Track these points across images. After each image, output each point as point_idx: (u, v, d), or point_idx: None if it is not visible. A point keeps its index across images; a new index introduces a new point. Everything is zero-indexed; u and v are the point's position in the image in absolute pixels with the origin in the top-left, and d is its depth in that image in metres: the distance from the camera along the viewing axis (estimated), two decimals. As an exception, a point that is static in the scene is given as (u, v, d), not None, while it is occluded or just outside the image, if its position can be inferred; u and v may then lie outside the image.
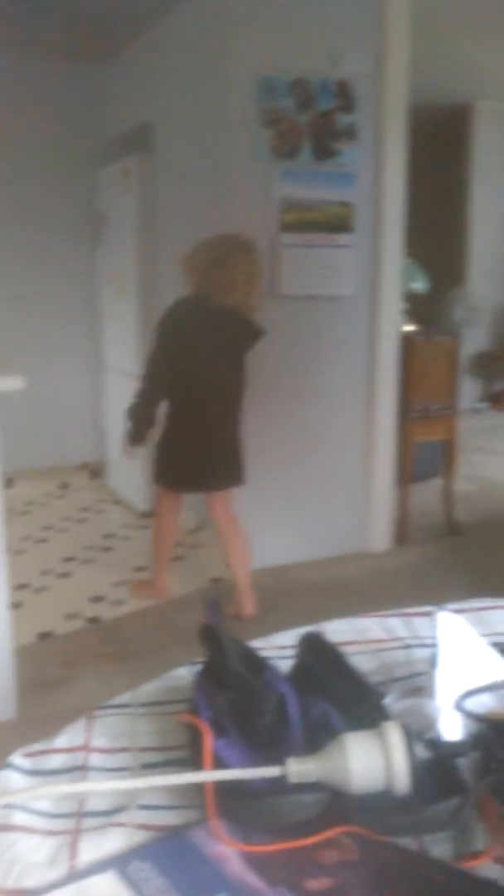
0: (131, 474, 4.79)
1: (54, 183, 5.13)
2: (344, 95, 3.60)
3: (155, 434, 3.34)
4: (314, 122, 3.57)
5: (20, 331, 5.10)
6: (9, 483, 5.07)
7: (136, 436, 3.27)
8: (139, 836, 0.81)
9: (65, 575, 3.90)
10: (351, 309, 3.84)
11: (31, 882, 0.75)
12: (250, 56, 3.49)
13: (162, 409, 3.28)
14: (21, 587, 3.67)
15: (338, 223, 3.68)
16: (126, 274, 4.62)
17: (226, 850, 0.79)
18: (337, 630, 1.22)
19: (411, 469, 4.24)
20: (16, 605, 3.24)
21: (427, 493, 4.62)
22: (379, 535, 4.13)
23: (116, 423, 5.02)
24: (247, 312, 3.20)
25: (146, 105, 4.50)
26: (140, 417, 3.24)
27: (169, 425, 3.28)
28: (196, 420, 3.24)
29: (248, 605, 3.37)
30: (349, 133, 3.63)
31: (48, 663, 3.05)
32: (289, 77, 3.51)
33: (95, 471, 5.45)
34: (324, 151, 3.60)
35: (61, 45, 4.78)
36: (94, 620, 3.41)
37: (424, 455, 4.43)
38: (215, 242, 3.22)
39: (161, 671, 1.15)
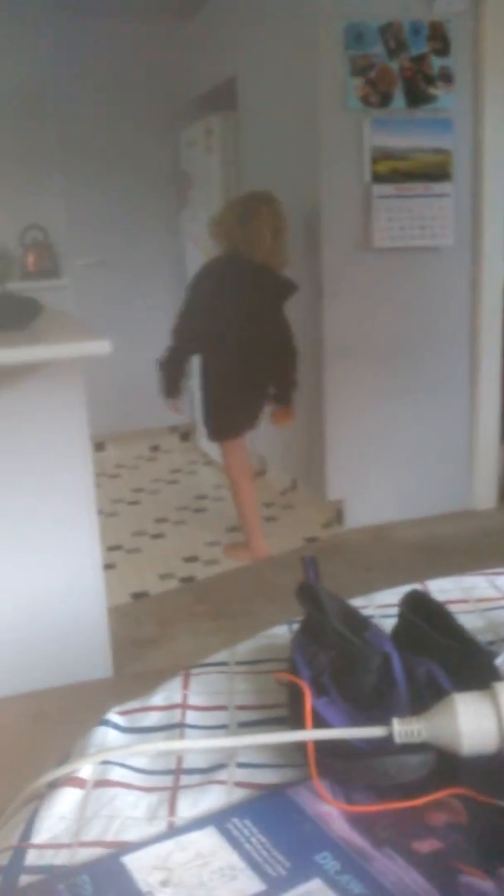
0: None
1: (139, 144, 5.11)
2: (438, 38, 3.45)
3: (194, 391, 3.62)
4: (407, 67, 3.44)
5: (106, 295, 5.13)
6: (99, 447, 5.16)
7: (168, 388, 3.47)
8: (238, 794, 0.79)
9: (158, 536, 3.94)
10: (451, 260, 3.71)
11: (131, 836, 0.74)
12: (337, 2, 3.38)
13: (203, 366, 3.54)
14: (114, 548, 3.73)
15: (435, 171, 3.55)
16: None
17: (329, 810, 0.76)
18: (442, 588, 1.17)
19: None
20: (109, 566, 3.30)
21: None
22: (484, 492, 4.02)
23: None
24: (279, 267, 3.29)
25: (229, 61, 4.42)
26: (169, 370, 3.44)
27: (213, 380, 3.48)
28: (234, 370, 3.38)
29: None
30: (445, 77, 3.48)
31: (142, 623, 3.09)
32: (378, 21, 3.39)
33: (186, 433, 5.47)
34: (418, 98, 3.47)
35: (143, 5, 4.73)
36: (187, 580, 3.44)
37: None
38: (238, 200, 3.39)
39: (256, 630, 1.13)
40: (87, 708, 2.35)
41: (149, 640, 2.96)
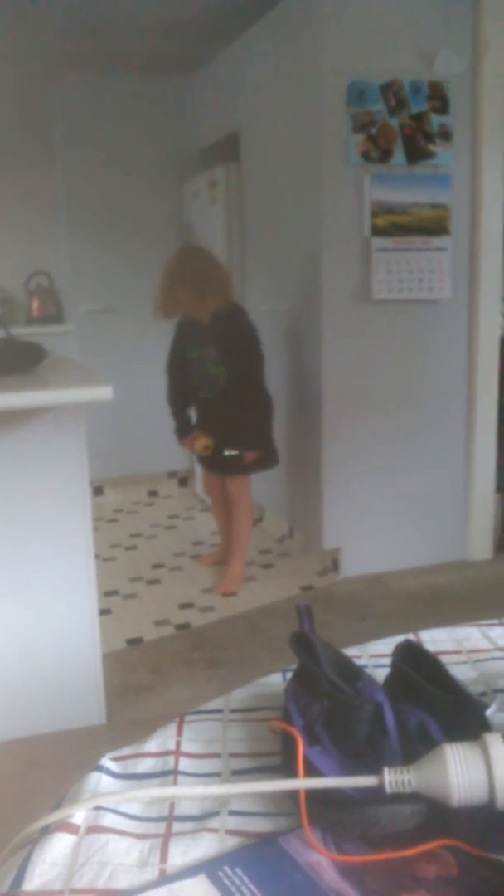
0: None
1: (143, 194, 5.20)
2: (437, 96, 3.55)
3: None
4: (406, 124, 3.53)
5: (109, 341, 5.18)
6: (98, 491, 5.18)
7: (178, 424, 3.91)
8: (230, 842, 0.80)
9: (154, 581, 3.93)
10: (448, 313, 3.77)
11: (122, 883, 0.74)
12: (339, 60, 3.47)
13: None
14: (110, 593, 3.72)
15: (433, 226, 3.62)
16: (215, 283, 4.64)
17: (319, 859, 0.77)
18: (435, 639, 1.18)
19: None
20: (105, 612, 3.29)
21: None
22: (479, 543, 4.03)
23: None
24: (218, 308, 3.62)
25: (233, 115, 4.53)
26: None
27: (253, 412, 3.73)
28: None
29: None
30: (443, 134, 3.57)
31: (137, 669, 3.07)
32: (380, 80, 3.48)
33: (184, 478, 5.49)
34: (417, 154, 3.55)
35: (148, 60, 4.86)
36: (183, 627, 3.43)
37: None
38: (163, 271, 3.72)
39: (250, 679, 1.13)
40: (80, 755, 2.33)
41: (143, 686, 2.94)
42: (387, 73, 3.50)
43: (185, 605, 3.62)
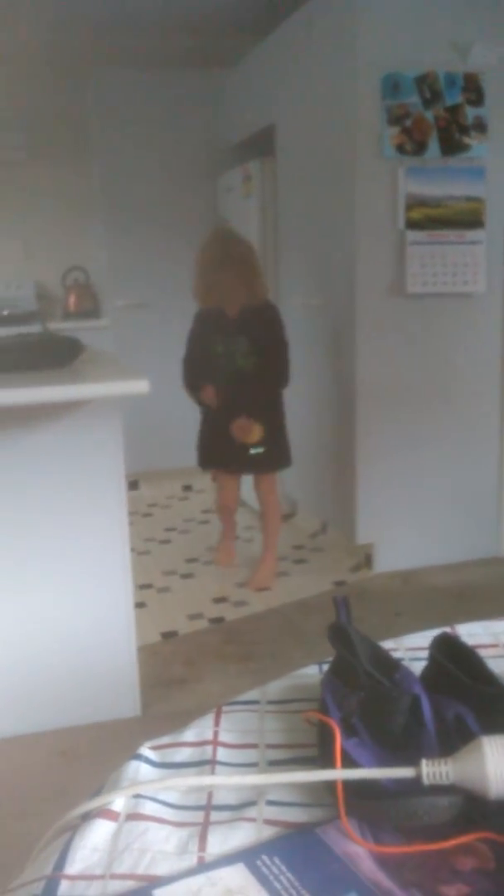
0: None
1: (178, 189, 5.22)
2: (472, 88, 3.52)
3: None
4: (441, 116, 3.50)
5: (144, 335, 5.20)
6: (133, 485, 5.20)
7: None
8: (267, 832, 0.80)
9: (188, 576, 3.95)
10: (482, 307, 3.74)
11: (161, 870, 0.75)
12: (374, 53, 3.46)
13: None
14: (145, 587, 3.74)
15: (468, 219, 3.59)
16: (249, 278, 4.65)
17: (356, 850, 0.77)
18: (472, 633, 1.18)
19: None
20: (139, 605, 3.31)
21: None
22: (513, 539, 4.00)
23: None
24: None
25: (268, 109, 4.52)
26: None
27: (277, 411, 3.70)
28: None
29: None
30: (478, 127, 3.54)
31: (171, 662, 3.09)
32: (414, 72, 3.46)
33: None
34: (452, 146, 3.53)
35: (185, 55, 4.88)
36: (216, 621, 3.44)
37: None
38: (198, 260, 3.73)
39: (283, 673, 1.14)
40: (115, 746, 2.36)
41: (177, 680, 2.96)
42: (421, 65, 3.48)
43: (219, 600, 3.64)
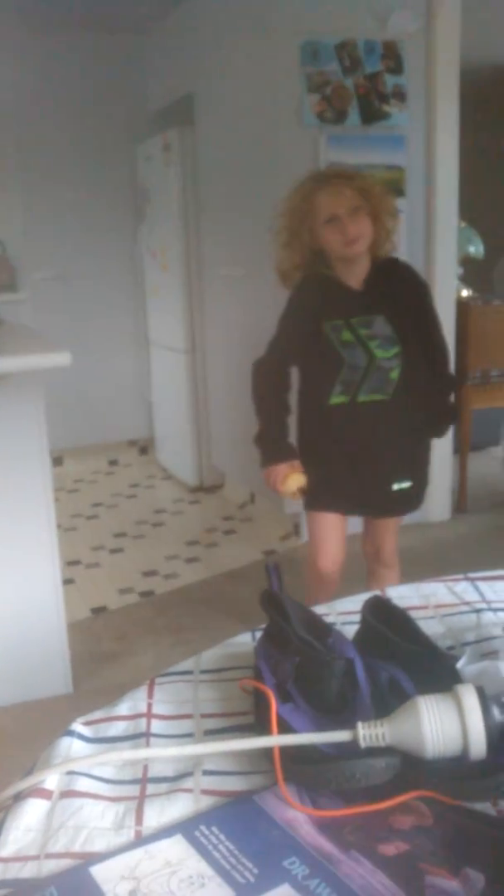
0: (181, 450, 4.80)
1: (96, 159, 5.11)
2: (391, 56, 3.51)
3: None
4: (361, 84, 3.49)
5: (65, 308, 5.10)
6: (57, 461, 5.12)
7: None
8: (205, 802, 0.80)
9: (117, 550, 3.92)
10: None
11: (98, 846, 0.74)
12: (294, 20, 3.42)
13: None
14: (73, 563, 3.70)
15: (388, 187, 3.59)
16: (169, 248, 4.60)
17: (296, 815, 0.77)
18: (402, 595, 1.19)
19: (469, 437, 4.16)
20: (68, 581, 3.27)
21: (486, 462, 4.54)
22: (438, 504, 4.07)
23: (164, 398, 5.03)
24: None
25: (187, 76, 4.45)
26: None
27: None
28: None
29: None
30: (398, 95, 3.55)
31: (102, 638, 3.07)
32: (334, 40, 3.44)
33: (144, 447, 5.46)
34: (372, 115, 3.53)
35: (100, 18, 4.74)
36: (147, 594, 3.42)
37: (483, 422, 4.36)
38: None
39: (216, 643, 1.13)
40: (46, 724, 2.33)
41: (108, 654, 2.94)
42: (341, 32, 3.46)
43: (149, 573, 3.62)
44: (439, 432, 2.58)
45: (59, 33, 4.85)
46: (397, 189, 3.61)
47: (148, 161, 4.83)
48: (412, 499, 2.55)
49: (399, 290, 2.38)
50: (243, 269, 3.96)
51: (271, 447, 2.41)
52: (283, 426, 2.41)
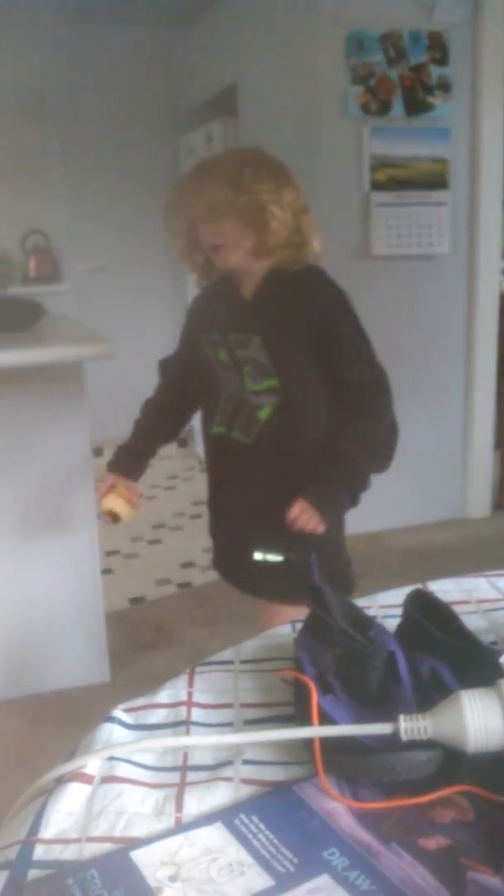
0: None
1: (140, 150, 5.12)
2: (437, 47, 3.47)
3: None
4: (406, 76, 3.46)
5: (106, 299, 5.12)
6: (97, 452, 5.14)
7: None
8: (245, 791, 0.80)
9: (155, 541, 3.93)
10: (447, 268, 3.72)
11: (138, 832, 0.74)
12: (338, 10, 3.40)
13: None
14: (112, 553, 3.72)
15: (432, 180, 3.56)
16: (212, 241, 4.59)
17: (335, 806, 0.77)
18: (444, 590, 1.18)
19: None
20: (106, 572, 3.29)
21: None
22: (478, 500, 4.03)
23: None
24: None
25: (230, 68, 4.44)
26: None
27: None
28: None
29: None
30: (443, 86, 3.50)
31: (140, 628, 3.08)
32: (378, 30, 3.41)
33: (183, 439, 5.47)
34: (416, 106, 3.49)
35: (143, 12, 4.75)
36: (184, 585, 3.43)
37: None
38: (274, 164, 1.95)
39: (252, 636, 1.13)
40: (84, 712, 2.34)
41: (146, 645, 2.95)
42: (386, 22, 3.43)
43: (187, 565, 3.63)
44: (321, 513, 1.77)
45: (102, 27, 4.87)
46: (441, 181, 3.58)
47: (191, 153, 4.83)
48: (288, 580, 1.68)
49: (285, 308, 1.76)
50: (284, 262, 3.95)
51: (116, 455, 2.10)
52: (140, 441, 2.08)
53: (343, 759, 0.79)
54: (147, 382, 4.95)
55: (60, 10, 4.63)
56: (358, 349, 1.84)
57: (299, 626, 1.03)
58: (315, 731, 0.80)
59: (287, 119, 3.81)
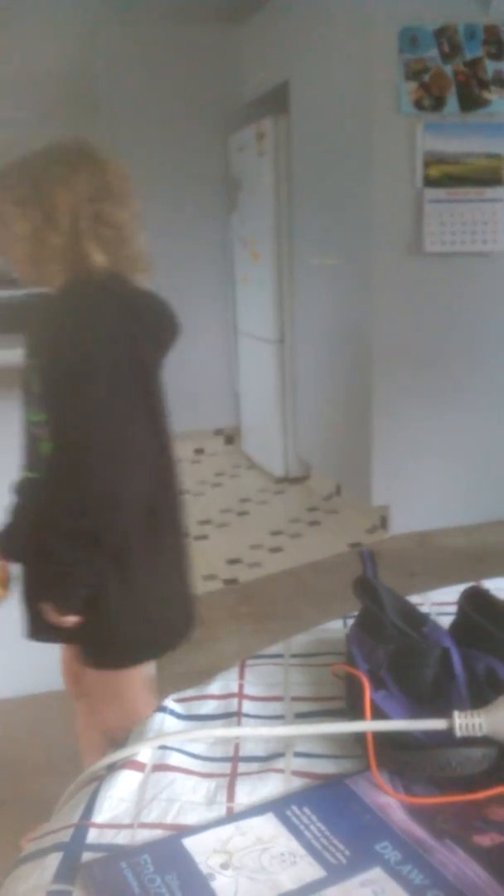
0: (267, 440, 4.81)
1: (190, 147, 5.14)
2: (492, 41, 3.43)
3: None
4: (461, 71, 3.42)
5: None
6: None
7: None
8: (296, 783, 0.80)
9: (201, 537, 3.95)
10: (501, 265, 3.67)
11: (190, 819, 0.75)
12: (392, 5, 3.37)
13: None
14: (160, 548, 3.74)
15: (487, 176, 3.52)
16: (261, 238, 4.60)
17: (388, 801, 0.76)
18: (500, 588, 1.16)
19: None
20: (155, 565, 3.31)
21: None
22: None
23: (251, 388, 5.05)
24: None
25: (282, 64, 4.43)
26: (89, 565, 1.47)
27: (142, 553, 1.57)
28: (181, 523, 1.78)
29: None
30: (499, 81, 3.46)
31: (186, 622, 3.09)
32: (433, 25, 3.38)
33: (230, 436, 5.49)
34: (471, 102, 3.45)
35: (195, 9, 4.77)
36: (230, 582, 3.44)
37: None
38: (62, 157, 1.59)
39: (298, 633, 1.12)
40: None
41: (192, 639, 2.96)
42: (441, 17, 3.39)
43: (233, 561, 3.64)
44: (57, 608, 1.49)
45: (153, 21, 4.89)
46: (496, 178, 3.53)
47: (241, 151, 4.83)
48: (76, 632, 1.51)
49: (41, 334, 1.51)
50: (336, 259, 3.94)
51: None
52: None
53: (396, 755, 0.79)
54: (193, 379, 4.97)
55: (112, 10, 4.66)
56: (66, 394, 1.41)
57: (350, 621, 1.03)
58: (369, 726, 0.80)
59: (339, 115, 3.79)
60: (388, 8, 3.37)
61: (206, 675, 1.03)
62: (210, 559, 3.67)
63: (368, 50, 3.44)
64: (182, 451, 5.22)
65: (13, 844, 1.15)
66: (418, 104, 3.43)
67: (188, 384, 5.31)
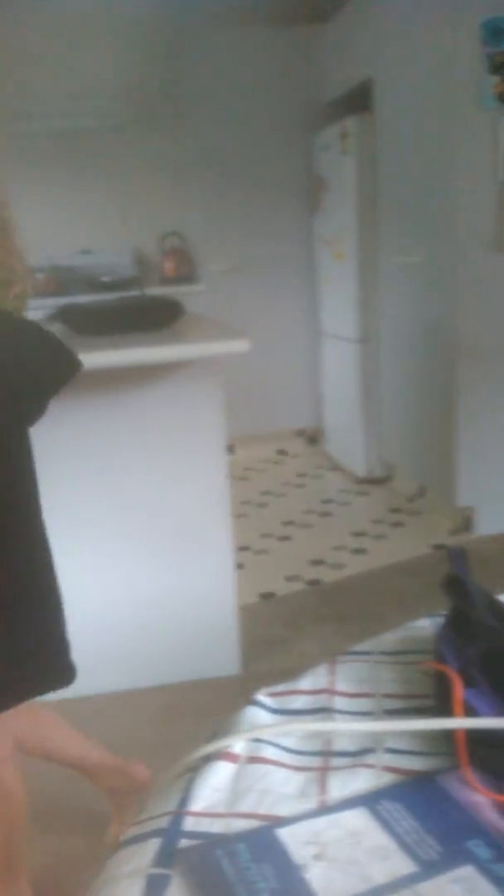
0: (350, 441, 4.79)
1: (273, 149, 5.17)
2: None
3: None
4: (547, 64, 3.36)
5: (239, 299, 5.19)
6: (229, 449, 5.22)
7: None
8: (387, 778, 0.80)
9: (285, 538, 3.96)
10: None
11: (282, 811, 0.76)
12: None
13: None
14: (242, 549, 3.77)
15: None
16: (344, 238, 4.59)
17: (479, 799, 0.76)
18: None
19: None
20: (238, 566, 3.33)
21: None
22: None
23: (334, 389, 5.04)
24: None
25: (365, 63, 4.42)
26: None
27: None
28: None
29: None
30: None
31: (270, 623, 3.11)
32: (518, 17, 3.33)
33: (313, 437, 5.49)
34: None
35: (277, 10, 4.79)
36: (313, 583, 3.45)
37: None
38: None
39: (380, 634, 1.12)
40: (216, 702, 2.39)
41: (276, 639, 2.98)
42: (526, 8, 3.34)
43: (316, 562, 3.64)
44: None
45: (235, 24, 4.93)
46: None
47: (325, 150, 4.84)
48: None
49: None
50: (420, 258, 3.91)
51: None
52: None
53: (488, 752, 0.79)
54: (276, 380, 4.97)
55: (195, 12, 4.72)
56: None
57: (438, 619, 1.02)
58: (461, 723, 0.80)
59: (422, 112, 3.76)
60: (469, 1, 3.33)
61: (288, 674, 1.04)
62: (293, 560, 3.68)
63: (450, 44, 3.41)
64: (264, 452, 5.32)
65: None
66: (501, 98, 3.37)
67: (271, 385, 5.34)
